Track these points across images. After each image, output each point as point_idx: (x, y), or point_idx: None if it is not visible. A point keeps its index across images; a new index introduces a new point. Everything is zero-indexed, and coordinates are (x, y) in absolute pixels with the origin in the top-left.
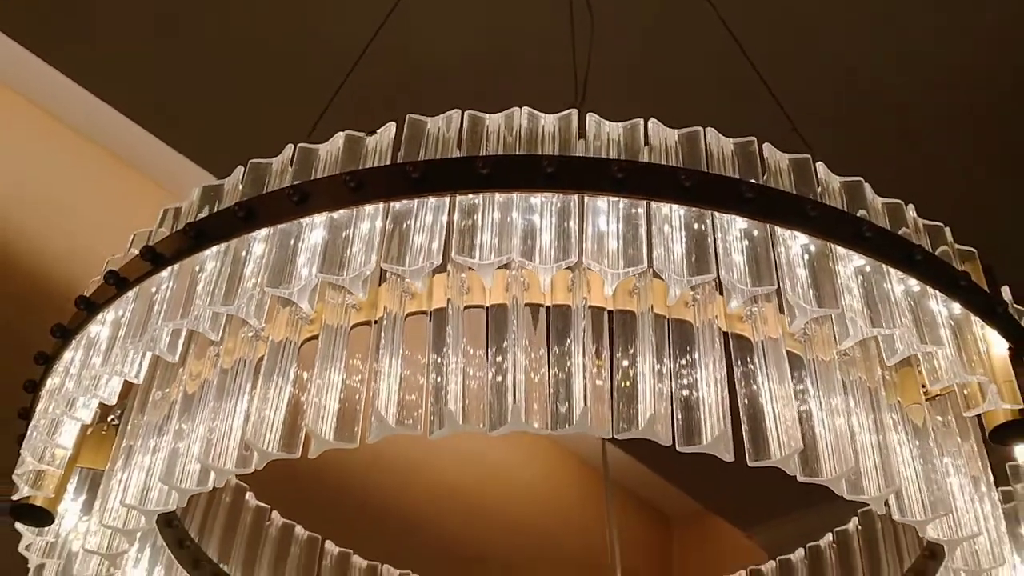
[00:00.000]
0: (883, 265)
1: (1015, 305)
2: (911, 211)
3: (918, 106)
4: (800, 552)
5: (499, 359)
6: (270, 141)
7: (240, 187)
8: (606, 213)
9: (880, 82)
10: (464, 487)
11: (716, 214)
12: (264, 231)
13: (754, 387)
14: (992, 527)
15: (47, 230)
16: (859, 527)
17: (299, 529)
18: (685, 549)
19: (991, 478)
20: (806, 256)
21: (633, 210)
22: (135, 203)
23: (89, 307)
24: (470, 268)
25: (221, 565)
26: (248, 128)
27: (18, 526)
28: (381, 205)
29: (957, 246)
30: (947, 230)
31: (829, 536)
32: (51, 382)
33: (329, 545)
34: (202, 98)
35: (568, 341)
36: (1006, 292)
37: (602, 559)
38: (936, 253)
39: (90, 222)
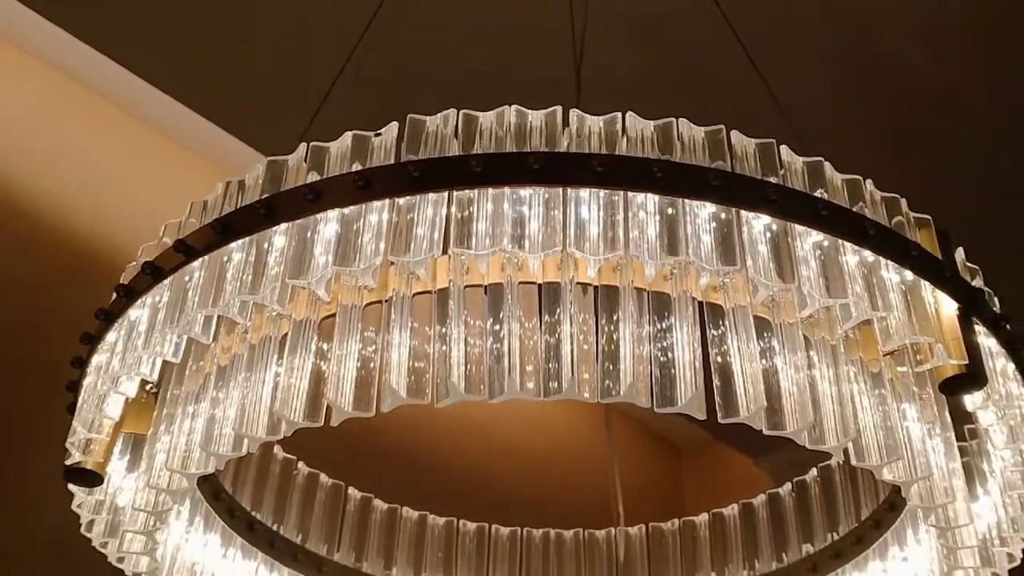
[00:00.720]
0: (839, 240)
1: (969, 264)
2: (869, 185)
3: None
4: (788, 486)
5: (497, 328)
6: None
7: (304, 164)
8: (587, 202)
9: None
10: (480, 422)
11: (686, 200)
12: (283, 225)
13: (724, 349)
14: (944, 466)
15: (82, 197)
16: (840, 463)
17: (323, 477)
18: (695, 478)
19: (948, 422)
20: (768, 234)
21: (612, 198)
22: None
23: (129, 294)
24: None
25: (254, 513)
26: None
27: (71, 487)
28: (387, 200)
29: (913, 214)
30: (903, 201)
31: (814, 471)
32: (97, 359)
33: (352, 491)
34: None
35: (557, 311)
36: (960, 254)
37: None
38: (892, 223)
39: (119, 184)
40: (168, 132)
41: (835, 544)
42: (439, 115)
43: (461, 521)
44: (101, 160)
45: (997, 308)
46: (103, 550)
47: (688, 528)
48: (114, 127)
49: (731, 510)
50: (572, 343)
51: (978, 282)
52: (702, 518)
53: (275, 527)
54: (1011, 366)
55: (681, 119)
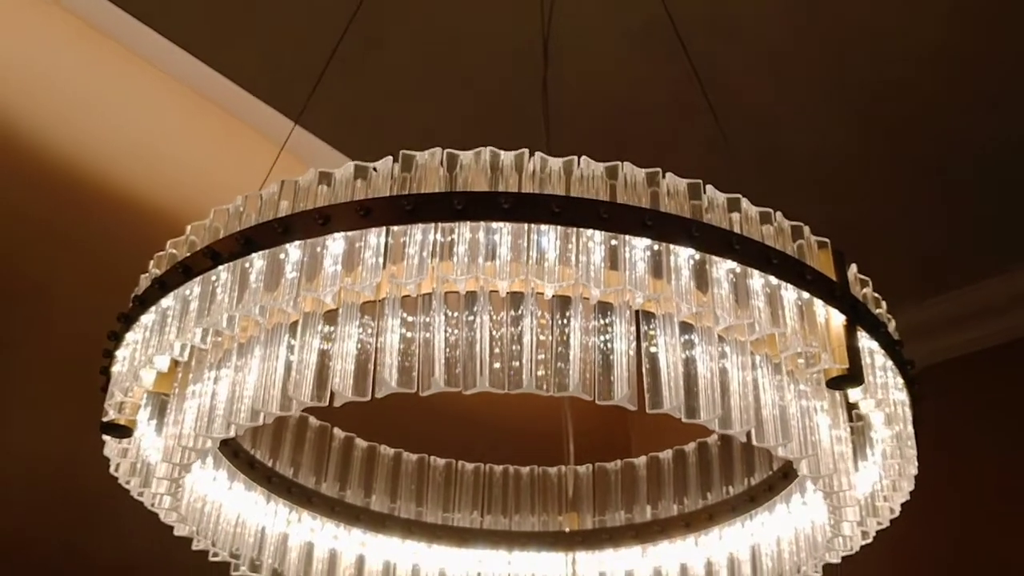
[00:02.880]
0: (748, 267)
1: (861, 275)
2: (778, 216)
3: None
4: (715, 437)
5: (470, 330)
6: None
7: (315, 187)
8: (547, 234)
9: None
10: None
11: (626, 236)
12: (298, 242)
13: (654, 352)
14: (831, 443)
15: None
16: None
17: (312, 420)
18: (641, 427)
19: (838, 408)
20: (691, 262)
21: (567, 232)
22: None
23: (162, 286)
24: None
25: (254, 452)
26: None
27: (105, 437)
28: (384, 227)
29: (815, 238)
30: (806, 228)
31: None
32: (131, 336)
33: (336, 431)
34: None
35: (520, 321)
36: (853, 271)
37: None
38: (796, 246)
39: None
40: (149, 59)
41: (750, 489)
42: (427, 152)
43: (431, 457)
44: (83, 86)
45: (884, 309)
46: (137, 495)
47: (628, 468)
48: (94, 51)
49: (666, 454)
50: (532, 346)
51: (868, 291)
52: (640, 460)
53: (272, 464)
54: (889, 363)
55: (626, 163)
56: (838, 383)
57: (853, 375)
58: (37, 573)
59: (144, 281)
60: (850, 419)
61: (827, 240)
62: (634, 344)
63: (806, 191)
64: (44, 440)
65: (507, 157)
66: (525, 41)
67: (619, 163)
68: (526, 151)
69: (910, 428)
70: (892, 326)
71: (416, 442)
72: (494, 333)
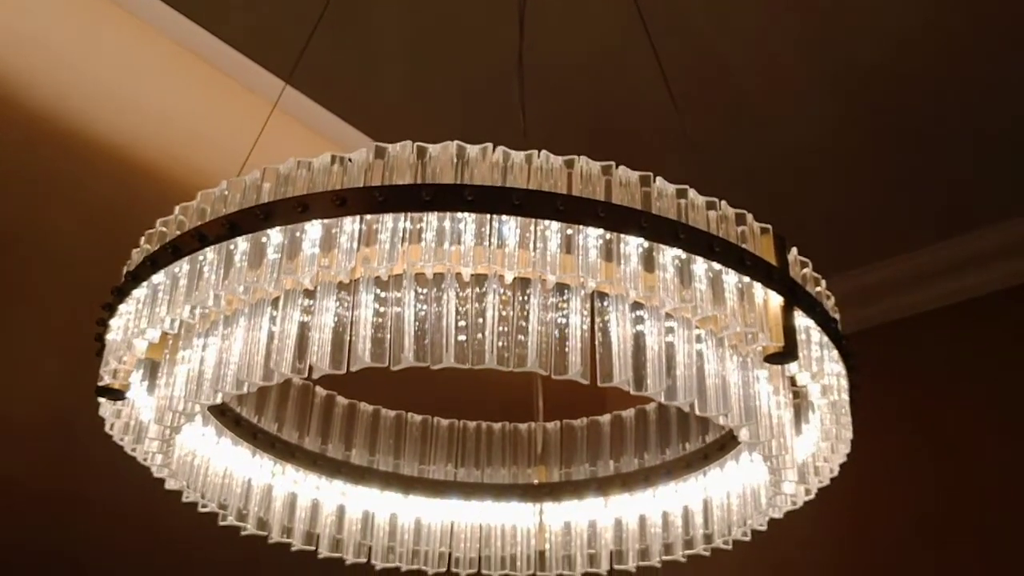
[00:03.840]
0: (692, 254)
1: (802, 257)
2: (723, 204)
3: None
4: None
5: (437, 304)
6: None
7: (295, 173)
8: (508, 223)
9: None
10: None
11: (580, 226)
12: (278, 228)
13: (607, 330)
14: (772, 412)
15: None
16: None
17: (318, 388)
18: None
19: (779, 379)
20: (640, 249)
21: (526, 221)
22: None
23: (154, 263)
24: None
25: (239, 410)
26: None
27: (100, 399)
28: (359, 216)
29: (757, 224)
30: (749, 216)
31: None
32: (124, 308)
33: (318, 389)
34: None
35: (484, 300)
36: (793, 254)
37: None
38: (739, 232)
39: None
40: (134, 13)
41: (704, 447)
42: (398, 144)
43: (408, 414)
44: (71, 41)
45: (823, 288)
46: (130, 451)
47: (594, 425)
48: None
49: (628, 413)
50: (494, 323)
51: (807, 271)
52: (605, 418)
53: (257, 420)
54: (825, 338)
55: (583, 156)
56: (774, 359)
57: (788, 351)
58: (31, 516)
59: (136, 256)
60: (793, 390)
61: (769, 226)
62: (588, 322)
63: (785, 165)
64: (41, 385)
65: (473, 150)
66: (507, 5)
67: (576, 156)
68: (490, 145)
69: (845, 396)
70: (831, 303)
71: (393, 402)
72: (459, 309)
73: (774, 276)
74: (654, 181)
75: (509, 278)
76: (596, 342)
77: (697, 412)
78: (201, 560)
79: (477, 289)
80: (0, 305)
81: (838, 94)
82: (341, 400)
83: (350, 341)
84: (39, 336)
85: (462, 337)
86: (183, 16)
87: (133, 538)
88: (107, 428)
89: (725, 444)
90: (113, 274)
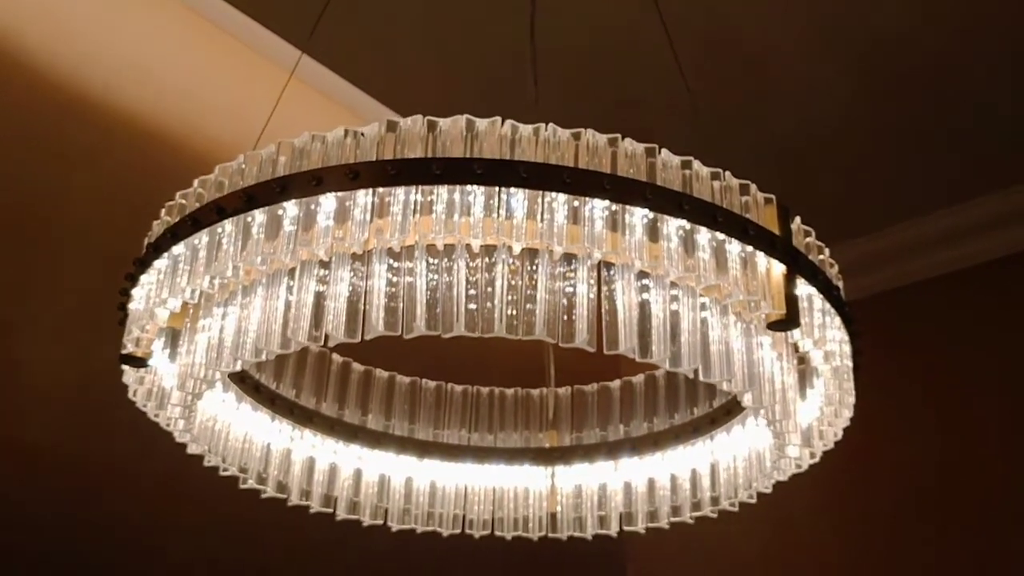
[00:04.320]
0: (695, 224)
1: (805, 227)
2: (727, 175)
3: None
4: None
5: (448, 274)
6: None
7: (310, 147)
8: (516, 196)
9: None
10: None
11: (586, 197)
12: (294, 200)
13: (612, 297)
14: (775, 377)
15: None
16: None
17: (335, 356)
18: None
19: (784, 346)
20: (645, 220)
21: (534, 193)
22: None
23: (174, 235)
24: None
25: (258, 376)
26: None
27: (123, 366)
28: (371, 189)
29: (761, 194)
30: (753, 186)
31: None
32: (146, 278)
33: (335, 356)
34: None
35: (494, 269)
36: (797, 223)
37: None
38: (743, 202)
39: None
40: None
41: (711, 412)
42: (408, 119)
43: (423, 380)
44: (89, 11)
45: (826, 256)
46: (153, 416)
47: (604, 391)
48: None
49: (638, 379)
50: (503, 291)
51: (811, 240)
52: (615, 383)
53: (275, 387)
54: (827, 306)
55: (589, 129)
56: (777, 326)
57: (790, 319)
58: (56, 480)
59: (157, 228)
60: (797, 356)
61: (772, 196)
62: (594, 291)
63: (797, 137)
64: (65, 352)
65: (482, 123)
66: None
67: (583, 129)
68: (499, 119)
69: (847, 362)
70: (834, 271)
71: (409, 369)
72: (470, 279)
73: (776, 245)
74: (659, 153)
75: (517, 249)
76: (603, 310)
77: (701, 378)
78: (225, 519)
79: (487, 259)
80: (25, 274)
81: (850, 63)
82: (357, 367)
83: (364, 310)
84: (63, 304)
85: (472, 306)
86: None
87: (157, 502)
88: (130, 394)
89: (731, 409)
90: (134, 243)
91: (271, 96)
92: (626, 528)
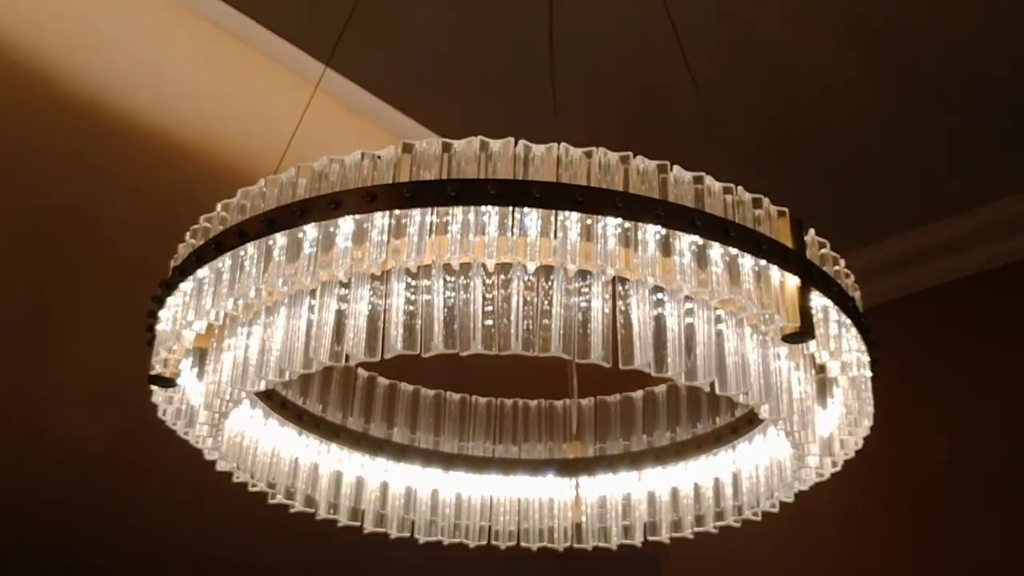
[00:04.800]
0: (708, 239)
1: (819, 237)
2: (739, 190)
3: None
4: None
5: (465, 292)
6: None
7: (329, 169)
8: (529, 215)
9: None
10: None
11: (599, 216)
12: (313, 223)
13: (627, 313)
14: (792, 389)
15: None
16: None
17: (360, 371)
18: None
19: (800, 357)
20: (657, 236)
21: (547, 213)
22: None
23: (198, 258)
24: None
25: (285, 393)
26: None
27: (152, 387)
28: (388, 211)
29: (774, 207)
30: (766, 200)
31: None
32: (172, 300)
33: (360, 371)
34: None
35: (510, 286)
36: (811, 235)
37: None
38: (756, 216)
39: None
40: None
41: (733, 422)
42: (424, 140)
43: (447, 393)
44: (113, 25)
45: (841, 267)
46: (183, 434)
47: (627, 401)
48: None
49: (660, 389)
50: (519, 311)
51: (826, 251)
52: (638, 394)
53: (302, 403)
54: (843, 317)
55: (601, 148)
56: (792, 339)
57: (805, 331)
58: (87, 477)
59: (182, 251)
60: (816, 367)
61: (786, 209)
62: (609, 305)
63: (807, 118)
64: (96, 357)
65: (496, 144)
66: None
67: (594, 148)
68: (512, 139)
69: (864, 372)
70: (850, 281)
71: (433, 381)
72: (486, 296)
73: (790, 258)
74: (671, 169)
75: (531, 267)
76: (618, 325)
77: (717, 391)
78: (248, 523)
79: (503, 276)
80: (59, 283)
81: (872, 53)
82: (382, 381)
83: (383, 329)
84: (94, 312)
85: (489, 322)
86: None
87: (184, 503)
88: (160, 413)
89: (753, 419)
90: (162, 253)
91: (298, 108)
92: (650, 538)
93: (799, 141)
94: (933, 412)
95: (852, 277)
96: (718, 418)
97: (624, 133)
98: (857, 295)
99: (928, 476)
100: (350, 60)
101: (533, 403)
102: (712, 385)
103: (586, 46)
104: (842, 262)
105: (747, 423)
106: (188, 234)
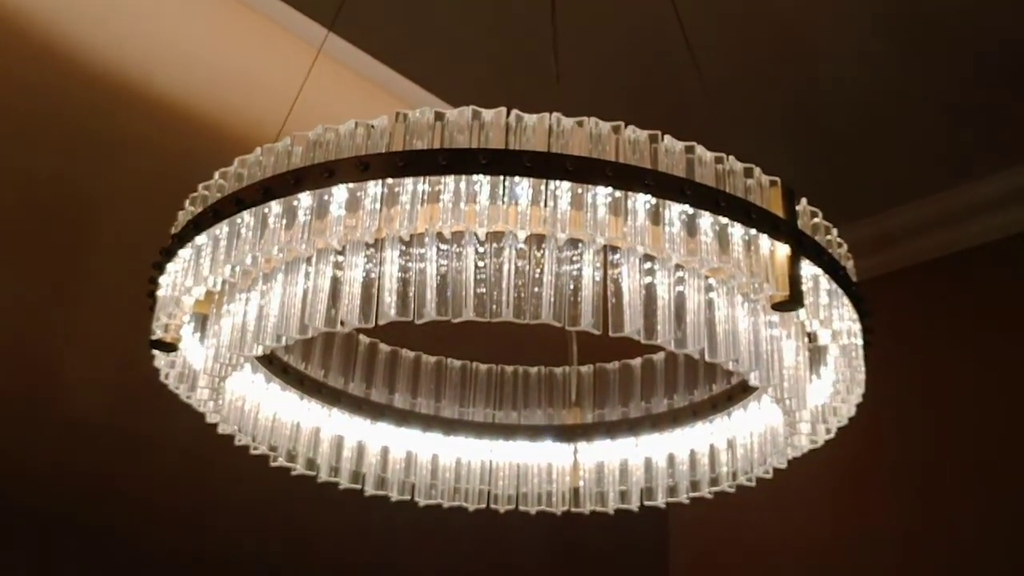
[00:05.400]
0: (698, 209)
1: (811, 207)
2: (731, 159)
3: None
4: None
5: (457, 259)
6: None
7: (323, 137)
8: (520, 184)
9: None
10: None
11: (589, 185)
12: (307, 192)
13: (617, 280)
14: (783, 357)
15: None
16: None
17: (362, 336)
18: None
19: (791, 326)
20: (647, 206)
21: (538, 182)
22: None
23: (196, 226)
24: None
25: (286, 358)
26: None
27: (154, 351)
28: (380, 180)
29: (766, 177)
30: (757, 169)
31: None
32: (172, 267)
33: (361, 337)
34: None
35: (502, 254)
36: (803, 204)
37: None
38: (747, 185)
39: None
40: None
41: (729, 389)
42: (417, 111)
43: (448, 359)
44: None
45: (833, 236)
46: (185, 398)
47: (625, 369)
48: None
49: (659, 357)
50: (511, 279)
51: (818, 220)
52: (636, 361)
53: (304, 368)
54: (834, 286)
55: (592, 118)
56: (781, 307)
57: (793, 300)
58: (97, 450)
59: (182, 218)
60: (808, 337)
61: (777, 178)
62: (599, 275)
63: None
64: (108, 330)
65: (488, 114)
66: None
67: (586, 118)
68: (503, 109)
69: (855, 341)
70: (842, 251)
71: (435, 347)
72: (478, 263)
73: (780, 227)
74: (662, 139)
75: (522, 236)
76: (608, 293)
77: (707, 359)
78: (257, 486)
79: (495, 245)
80: (75, 256)
81: (890, 27)
82: (383, 347)
83: (378, 295)
84: (110, 283)
85: (481, 290)
86: None
87: (195, 473)
88: (162, 377)
89: (748, 386)
90: (171, 222)
91: (304, 73)
92: (647, 503)
93: (810, 111)
94: (933, 384)
95: (845, 247)
96: (714, 385)
97: (629, 100)
98: (850, 264)
99: (928, 449)
100: (354, 25)
101: (533, 370)
102: (702, 353)
103: (590, 15)
104: (834, 231)
105: (742, 391)
106: (187, 202)
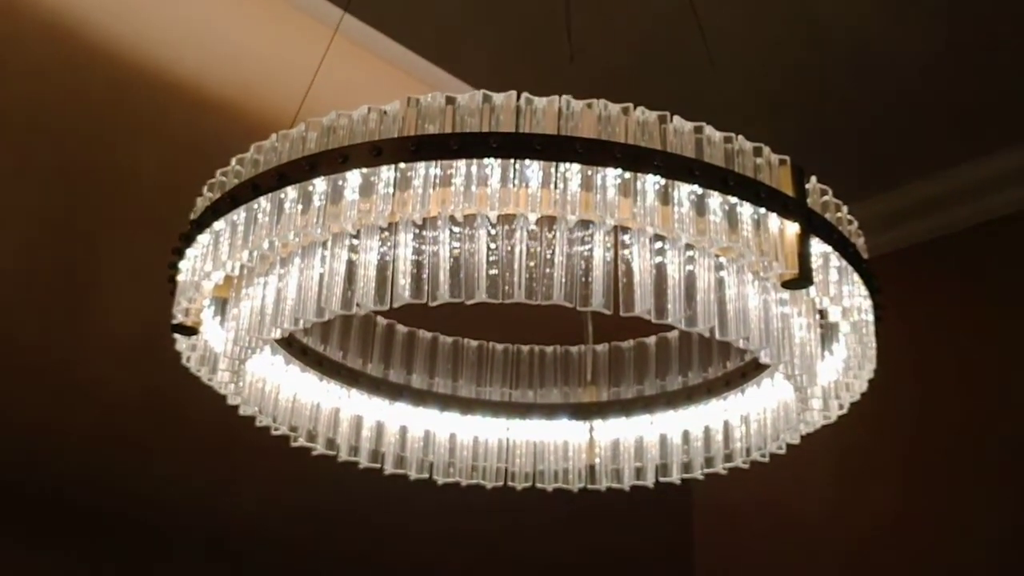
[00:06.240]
0: (707, 189)
1: (821, 184)
2: (740, 139)
3: None
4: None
5: (470, 244)
6: None
7: (337, 123)
8: (531, 167)
9: None
10: None
11: (599, 167)
12: (322, 177)
13: (628, 260)
14: (794, 334)
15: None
16: None
17: (379, 319)
18: None
19: (801, 304)
20: (656, 186)
21: (548, 164)
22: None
23: (215, 211)
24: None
25: (306, 340)
26: None
27: (175, 335)
28: (393, 164)
29: (774, 156)
30: (766, 148)
31: None
32: (191, 252)
33: (379, 318)
34: None
35: (512, 237)
36: (812, 183)
37: None
38: (756, 164)
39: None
40: None
41: (743, 366)
42: (428, 95)
43: (465, 339)
44: None
45: (844, 214)
46: (206, 380)
47: (640, 347)
48: None
49: (673, 335)
50: (523, 260)
51: (828, 198)
52: (651, 339)
53: (322, 349)
54: (844, 263)
55: (602, 100)
56: (791, 285)
57: (803, 277)
58: (119, 418)
59: (200, 204)
60: (820, 315)
61: (787, 157)
62: (611, 254)
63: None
64: (130, 305)
65: (498, 98)
66: None
67: (595, 100)
68: (514, 92)
69: (866, 317)
70: (853, 228)
71: (452, 328)
72: (490, 246)
73: (789, 206)
74: (671, 120)
75: (533, 218)
76: (619, 273)
77: (718, 337)
78: (273, 458)
79: (507, 227)
80: (93, 232)
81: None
82: (401, 328)
83: (392, 278)
84: (127, 260)
85: (493, 272)
86: None
87: (213, 441)
88: (184, 360)
89: (761, 364)
90: (192, 206)
91: (329, 58)
92: (662, 479)
93: (824, 86)
94: (956, 359)
95: (855, 224)
96: (728, 363)
97: (639, 78)
98: (860, 241)
99: (953, 424)
100: (370, 5)
101: (549, 349)
102: (713, 331)
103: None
104: (844, 209)
105: (755, 368)
106: (205, 188)
